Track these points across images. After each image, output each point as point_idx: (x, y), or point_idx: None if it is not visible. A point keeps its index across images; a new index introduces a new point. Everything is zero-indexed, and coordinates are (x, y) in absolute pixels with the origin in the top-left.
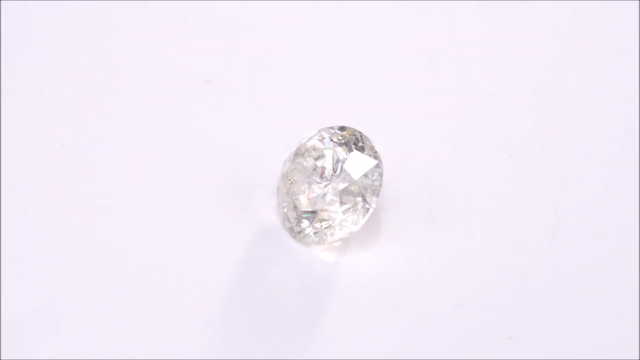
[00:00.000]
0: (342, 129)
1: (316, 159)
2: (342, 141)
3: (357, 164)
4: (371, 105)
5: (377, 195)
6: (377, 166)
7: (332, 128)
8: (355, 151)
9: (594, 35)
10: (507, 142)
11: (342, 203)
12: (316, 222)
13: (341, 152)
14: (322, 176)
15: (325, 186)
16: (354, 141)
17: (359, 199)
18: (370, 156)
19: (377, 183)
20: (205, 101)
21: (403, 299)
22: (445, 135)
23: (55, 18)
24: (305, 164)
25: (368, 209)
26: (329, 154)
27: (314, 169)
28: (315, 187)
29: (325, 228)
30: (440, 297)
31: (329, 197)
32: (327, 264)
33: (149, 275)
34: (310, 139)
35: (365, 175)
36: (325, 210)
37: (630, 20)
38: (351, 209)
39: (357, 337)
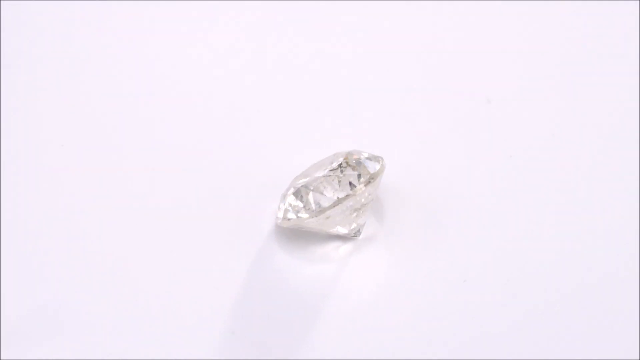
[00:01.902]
0: (380, 169)
1: (340, 159)
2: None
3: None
4: (372, 109)
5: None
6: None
7: (379, 157)
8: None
9: (594, 35)
10: (507, 142)
11: (303, 200)
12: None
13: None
14: (327, 170)
15: (320, 178)
16: (370, 177)
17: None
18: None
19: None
20: (213, 117)
21: (403, 309)
22: (449, 138)
23: (54, 18)
24: (334, 157)
25: (314, 215)
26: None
27: (331, 162)
28: (318, 172)
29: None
30: (443, 304)
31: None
32: (328, 274)
33: (149, 276)
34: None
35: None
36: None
37: (630, 20)
38: (312, 211)
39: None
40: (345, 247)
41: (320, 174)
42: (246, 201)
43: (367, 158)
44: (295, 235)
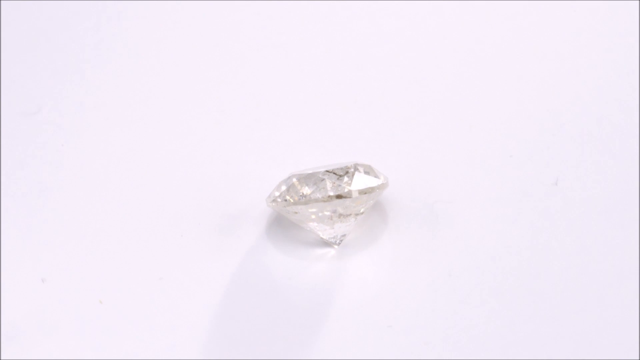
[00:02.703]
0: (367, 189)
1: (341, 167)
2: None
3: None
4: (364, 113)
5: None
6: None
7: (378, 178)
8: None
9: (594, 35)
10: (507, 142)
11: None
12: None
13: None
14: (325, 170)
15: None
16: (358, 192)
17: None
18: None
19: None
20: (203, 124)
21: (401, 314)
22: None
23: (54, 18)
24: (345, 162)
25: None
26: (348, 175)
27: (338, 166)
28: (320, 169)
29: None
30: (441, 307)
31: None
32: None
33: (148, 276)
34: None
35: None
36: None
37: (630, 20)
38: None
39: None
40: (333, 253)
41: (319, 170)
42: (250, 205)
43: (366, 172)
44: (288, 235)
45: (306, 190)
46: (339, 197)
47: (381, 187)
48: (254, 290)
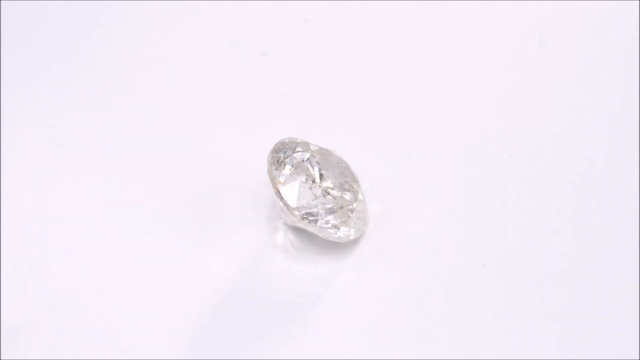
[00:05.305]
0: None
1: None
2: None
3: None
4: (353, 115)
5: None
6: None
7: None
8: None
9: (594, 35)
10: (507, 143)
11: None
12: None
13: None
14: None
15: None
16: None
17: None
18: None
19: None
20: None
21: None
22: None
23: (54, 18)
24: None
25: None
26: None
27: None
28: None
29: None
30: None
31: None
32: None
33: (149, 274)
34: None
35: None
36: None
37: (630, 20)
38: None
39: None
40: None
41: (326, 170)
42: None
43: (343, 217)
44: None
45: (288, 167)
46: (283, 201)
47: (317, 231)
48: (242, 287)
